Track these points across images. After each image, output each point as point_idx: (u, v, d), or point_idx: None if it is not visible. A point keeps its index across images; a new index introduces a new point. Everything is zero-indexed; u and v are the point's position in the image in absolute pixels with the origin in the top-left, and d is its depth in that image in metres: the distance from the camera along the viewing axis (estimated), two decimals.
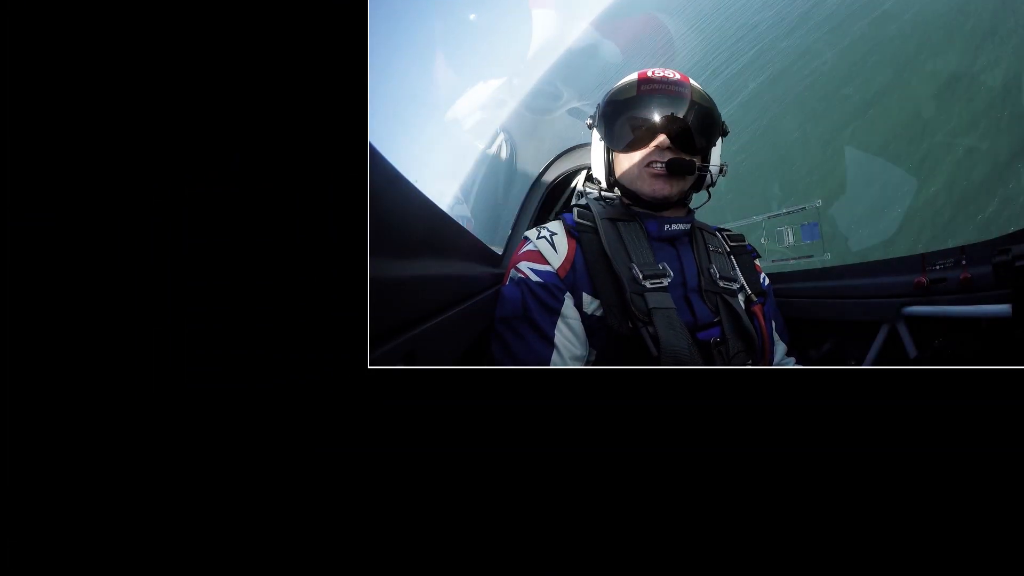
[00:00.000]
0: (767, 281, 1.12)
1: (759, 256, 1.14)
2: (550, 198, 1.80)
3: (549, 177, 1.75)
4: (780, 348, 1.08)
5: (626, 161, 0.99)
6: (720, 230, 1.13)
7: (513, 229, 1.79)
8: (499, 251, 1.64)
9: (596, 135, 1.04)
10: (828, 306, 1.25)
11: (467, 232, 1.12)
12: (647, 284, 0.91)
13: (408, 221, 0.65)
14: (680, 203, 1.03)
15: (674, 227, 1.00)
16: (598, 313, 0.92)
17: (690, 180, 1.00)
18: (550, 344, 0.89)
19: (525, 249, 0.99)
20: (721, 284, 0.99)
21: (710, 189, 1.06)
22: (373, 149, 0.54)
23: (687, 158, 0.95)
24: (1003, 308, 0.84)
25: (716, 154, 1.02)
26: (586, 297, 0.93)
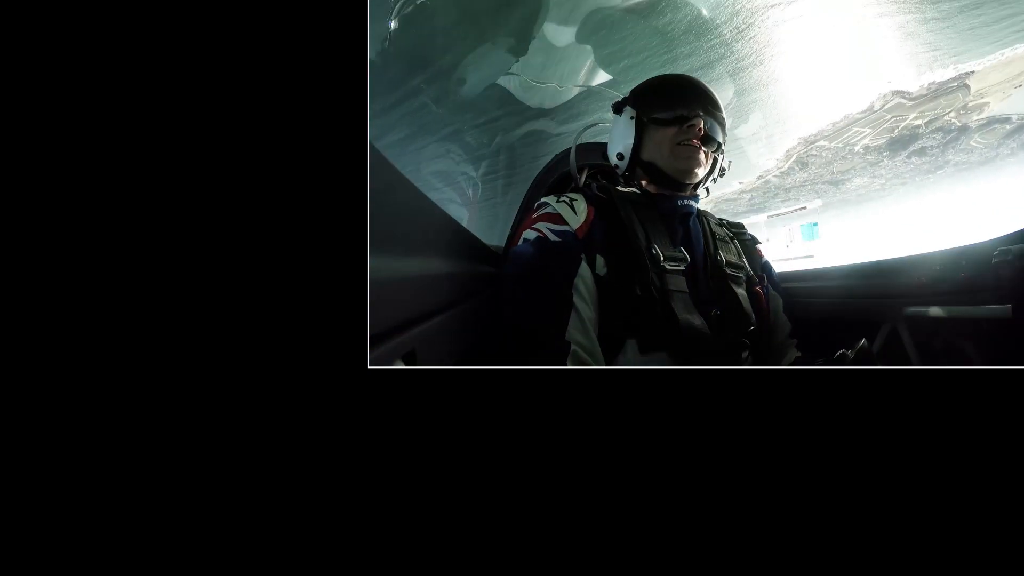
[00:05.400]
0: (767, 261, 1.16)
1: (759, 242, 1.17)
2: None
3: (551, 176, 1.76)
4: (786, 328, 1.10)
5: (659, 135, 1.02)
6: (720, 220, 1.16)
7: (513, 228, 1.79)
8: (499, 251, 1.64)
9: (625, 116, 1.08)
10: (828, 306, 1.25)
11: (467, 232, 1.12)
12: (666, 265, 0.93)
13: (408, 221, 0.65)
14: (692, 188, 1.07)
15: (686, 202, 1.03)
16: (609, 275, 0.92)
17: (708, 165, 1.04)
18: (568, 303, 0.88)
19: (543, 212, 0.99)
20: (728, 271, 1.01)
21: (708, 187, 1.10)
22: (373, 149, 0.55)
23: (714, 137, 1.02)
24: (1003, 308, 0.84)
25: (722, 152, 1.08)
26: (599, 259, 0.93)
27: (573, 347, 0.84)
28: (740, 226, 1.16)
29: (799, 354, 1.07)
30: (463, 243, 1.00)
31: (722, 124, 1.04)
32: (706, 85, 1.06)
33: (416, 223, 0.69)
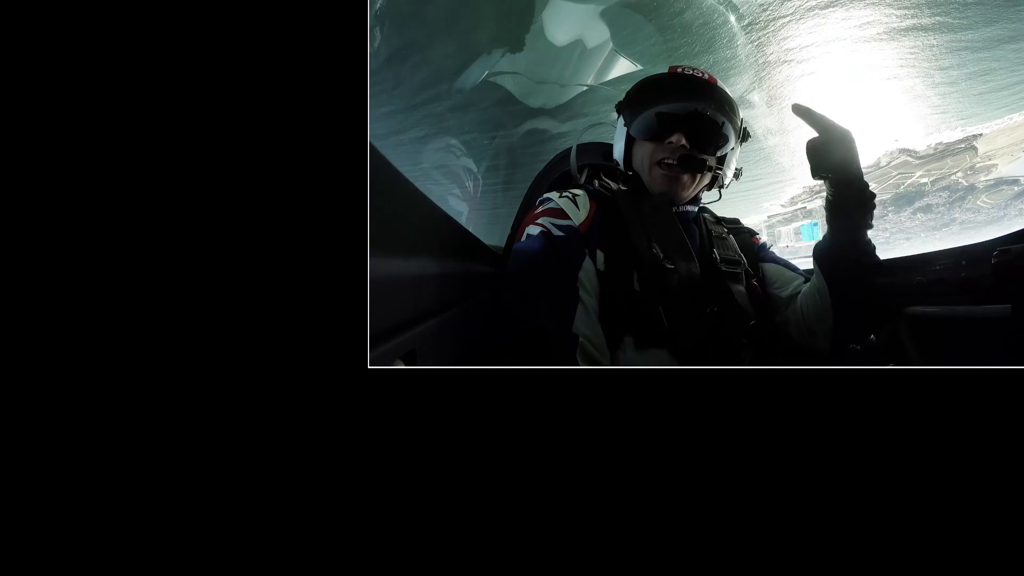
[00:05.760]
0: (765, 243, 1.13)
1: (756, 233, 1.15)
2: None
3: (551, 175, 1.76)
4: (798, 281, 1.02)
5: (642, 151, 0.99)
6: (717, 217, 1.15)
7: (513, 228, 1.80)
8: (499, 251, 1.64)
9: (621, 120, 1.05)
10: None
11: (467, 231, 1.12)
12: (667, 264, 0.92)
13: (408, 221, 0.65)
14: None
15: (683, 208, 1.01)
16: (608, 271, 0.92)
17: (702, 180, 1.00)
18: (574, 296, 0.88)
19: (546, 207, 0.99)
20: (725, 268, 1.00)
21: (722, 189, 1.07)
22: (373, 149, 0.54)
23: (700, 156, 0.95)
24: (1003, 308, 0.84)
25: (733, 157, 1.02)
26: (600, 255, 0.93)
27: (581, 340, 0.84)
28: (736, 221, 1.15)
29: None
30: (463, 243, 1.00)
31: (727, 114, 0.95)
32: (700, 78, 0.97)
33: (416, 223, 0.69)
